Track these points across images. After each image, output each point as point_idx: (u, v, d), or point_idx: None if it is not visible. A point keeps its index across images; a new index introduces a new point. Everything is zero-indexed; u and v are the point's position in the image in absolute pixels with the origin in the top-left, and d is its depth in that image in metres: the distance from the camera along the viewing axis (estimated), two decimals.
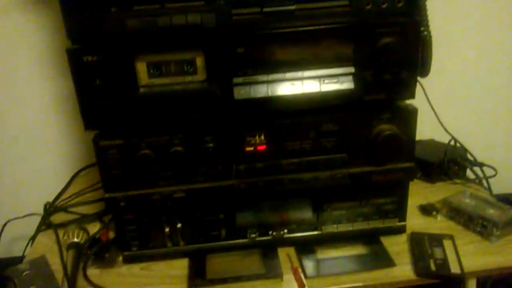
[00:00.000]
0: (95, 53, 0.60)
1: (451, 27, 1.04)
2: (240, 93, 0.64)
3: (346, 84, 0.65)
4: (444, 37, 1.03)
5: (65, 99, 1.04)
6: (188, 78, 0.64)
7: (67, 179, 1.03)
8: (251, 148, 0.67)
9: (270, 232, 0.75)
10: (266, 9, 0.61)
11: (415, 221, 0.81)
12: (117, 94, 0.62)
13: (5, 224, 0.93)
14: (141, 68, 0.63)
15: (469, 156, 0.98)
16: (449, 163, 0.95)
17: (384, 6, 0.62)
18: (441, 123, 0.94)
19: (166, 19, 0.59)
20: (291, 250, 0.75)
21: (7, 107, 1.03)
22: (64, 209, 0.90)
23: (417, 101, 0.70)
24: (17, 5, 0.95)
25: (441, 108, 0.94)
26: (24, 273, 0.72)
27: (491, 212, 0.77)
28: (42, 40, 0.98)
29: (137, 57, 0.62)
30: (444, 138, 0.98)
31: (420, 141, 1.04)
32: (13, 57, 0.99)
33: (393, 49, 0.63)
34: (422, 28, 0.64)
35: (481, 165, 0.95)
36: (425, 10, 0.64)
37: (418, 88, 0.68)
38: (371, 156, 0.69)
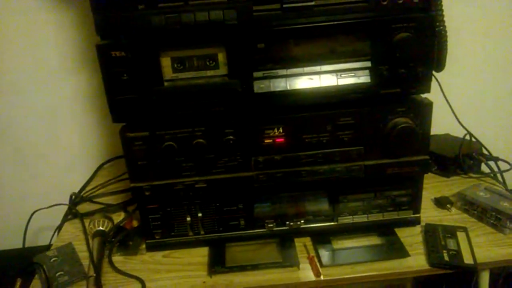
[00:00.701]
0: (123, 49, 0.63)
1: (467, 22, 1.05)
2: (260, 87, 0.66)
3: (362, 78, 0.67)
4: (460, 31, 1.03)
5: (90, 94, 1.07)
6: (210, 73, 0.66)
7: (92, 171, 1.07)
8: (270, 141, 0.70)
9: (287, 223, 0.77)
10: (286, 5, 0.63)
11: (429, 214, 0.83)
12: (143, 88, 0.65)
13: (32, 214, 0.97)
14: (166, 63, 0.65)
15: (484, 151, 0.99)
16: (464, 157, 0.96)
17: (400, 1, 0.64)
18: (456, 117, 0.95)
19: (189, 16, 0.62)
20: (307, 240, 0.77)
21: (36, 101, 1.07)
22: (89, 199, 0.94)
23: (433, 95, 0.71)
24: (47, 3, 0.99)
25: (457, 102, 0.95)
26: (52, 259, 0.76)
27: (505, 205, 0.78)
28: (69, 36, 1.01)
29: (162, 52, 0.65)
30: (460, 133, 0.99)
31: (436, 136, 1.05)
32: (43, 52, 1.03)
33: (409, 44, 0.65)
34: (437, 24, 0.66)
35: (496, 159, 0.96)
36: (440, 5, 0.66)
37: (433, 83, 0.70)
38: (386, 149, 0.71)
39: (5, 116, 1.08)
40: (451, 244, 0.72)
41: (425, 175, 0.76)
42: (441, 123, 0.97)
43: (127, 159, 0.69)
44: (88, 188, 0.99)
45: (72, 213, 0.89)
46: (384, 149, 0.71)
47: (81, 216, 0.86)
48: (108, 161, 1.10)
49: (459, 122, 0.96)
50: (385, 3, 0.64)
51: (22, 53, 1.03)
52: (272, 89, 0.66)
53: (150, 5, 0.62)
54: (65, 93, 1.07)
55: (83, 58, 1.03)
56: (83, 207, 0.92)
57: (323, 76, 0.67)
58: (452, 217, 0.82)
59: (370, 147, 0.71)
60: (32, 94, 1.07)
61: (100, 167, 1.09)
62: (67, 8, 0.99)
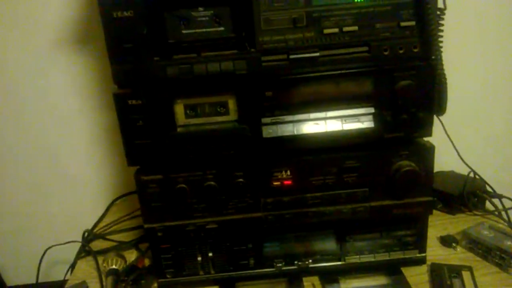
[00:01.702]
0: (139, 97, 0.67)
1: (466, 63, 1.08)
2: (268, 132, 0.70)
3: (366, 123, 0.70)
4: (461, 73, 1.07)
5: (103, 131, 1.11)
6: (221, 118, 0.70)
7: (105, 206, 1.10)
8: (278, 183, 0.72)
9: (296, 262, 0.79)
10: (292, 56, 0.67)
11: (435, 252, 0.84)
12: (157, 133, 0.69)
13: (46, 250, 0.99)
14: (179, 109, 0.69)
15: (488, 188, 1.00)
16: (469, 195, 0.97)
17: (401, 51, 0.68)
18: (460, 156, 0.97)
19: (202, 67, 0.66)
20: (315, 280, 0.78)
21: (50, 138, 1.11)
22: (102, 236, 0.96)
23: (437, 133, 0.73)
24: (67, 47, 1.04)
25: (460, 140, 0.97)
26: None
27: (509, 244, 0.79)
28: (84, 79, 1.07)
29: (175, 100, 0.68)
30: (464, 169, 1.01)
31: (441, 173, 1.08)
32: (59, 94, 1.08)
33: (410, 91, 0.68)
34: (437, 70, 0.69)
35: (500, 197, 0.98)
36: (439, 52, 0.69)
37: (437, 122, 0.72)
38: (391, 190, 0.73)
39: (20, 152, 1.12)
40: (456, 284, 0.73)
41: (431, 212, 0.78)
42: (446, 160, 0.99)
43: (141, 201, 0.72)
44: (101, 225, 1.02)
45: (85, 251, 0.92)
46: (388, 190, 0.73)
47: (95, 254, 0.88)
48: (121, 196, 1.13)
49: (463, 160, 0.98)
50: (386, 53, 0.67)
51: (39, 94, 1.08)
52: (280, 134, 0.70)
53: (165, 56, 0.66)
54: (78, 130, 1.11)
55: (98, 99, 1.08)
56: (96, 244, 0.95)
57: (328, 121, 0.70)
58: (458, 255, 0.83)
59: (375, 189, 0.73)
60: (47, 132, 1.11)
61: (112, 203, 1.12)
62: (86, 56, 1.05)
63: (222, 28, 0.67)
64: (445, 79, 0.71)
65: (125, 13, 0.63)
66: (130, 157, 0.70)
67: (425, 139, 0.74)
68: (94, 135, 1.12)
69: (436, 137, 0.75)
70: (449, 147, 0.95)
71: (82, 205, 1.16)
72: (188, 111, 0.69)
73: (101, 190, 1.16)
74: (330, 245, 0.79)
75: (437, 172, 1.07)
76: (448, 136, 0.94)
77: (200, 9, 0.66)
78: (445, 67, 0.73)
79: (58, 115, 1.10)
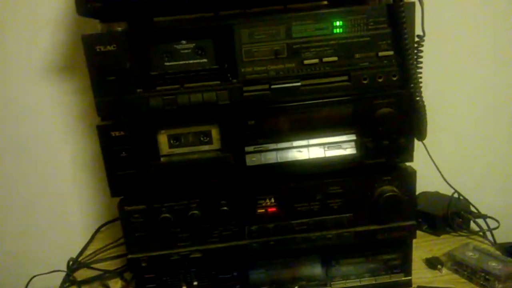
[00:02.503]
0: (122, 129, 0.67)
1: (448, 86, 1.11)
2: (252, 160, 0.70)
3: (348, 150, 0.71)
4: (443, 95, 1.09)
5: (88, 158, 1.11)
6: (204, 147, 0.70)
7: (90, 233, 1.09)
8: (263, 210, 0.73)
9: None
10: (274, 86, 0.68)
11: (421, 275, 0.84)
12: (140, 164, 0.69)
13: (31, 279, 0.98)
14: (163, 139, 0.70)
15: (472, 209, 1.02)
16: (453, 215, 0.98)
17: (380, 80, 0.69)
18: (443, 177, 0.99)
19: (185, 98, 0.67)
20: None
21: (35, 165, 1.11)
22: (87, 265, 0.95)
23: (421, 154, 0.74)
24: (52, 76, 1.05)
25: (444, 161, 0.99)
26: None
27: (493, 265, 0.80)
28: (69, 107, 1.07)
29: (159, 130, 0.69)
30: (449, 190, 1.02)
31: (425, 193, 1.09)
32: (45, 122, 1.08)
33: (390, 118, 0.69)
34: (416, 97, 0.70)
35: (484, 217, 0.99)
36: (418, 80, 0.71)
37: (421, 144, 0.73)
38: (375, 215, 0.74)
39: (4, 179, 1.12)
40: None
41: (416, 234, 0.78)
42: (430, 180, 1.00)
43: (124, 231, 0.72)
44: (86, 253, 1.01)
45: (69, 281, 0.90)
46: (372, 215, 0.74)
47: (79, 284, 0.87)
48: (106, 223, 1.12)
49: (446, 181, 0.99)
50: (366, 81, 0.69)
51: (22, 123, 1.07)
52: (263, 162, 0.70)
53: (148, 88, 0.67)
54: (63, 157, 1.11)
55: (83, 127, 1.08)
56: (81, 273, 0.93)
57: (311, 148, 0.71)
58: (443, 277, 0.84)
59: (360, 214, 0.74)
60: (32, 159, 1.10)
61: (98, 230, 1.11)
62: (71, 85, 1.05)
63: (204, 60, 0.68)
64: (424, 105, 0.72)
65: (108, 47, 0.64)
66: (114, 188, 0.70)
67: (407, 163, 0.75)
68: (79, 163, 1.12)
69: (420, 158, 0.76)
70: (433, 167, 0.97)
71: (68, 232, 1.15)
72: (171, 141, 0.70)
73: (87, 217, 1.16)
74: (316, 270, 0.79)
75: (422, 193, 1.08)
76: (431, 158, 0.95)
77: (183, 42, 0.67)
78: (427, 89, 0.75)
79: (44, 143, 1.09)
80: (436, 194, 1.09)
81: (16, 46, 1.03)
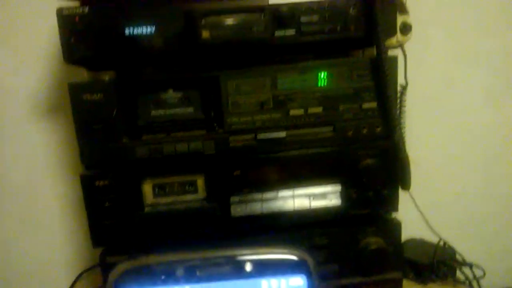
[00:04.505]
0: (106, 178, 0.67)
1: (433, 134, 1.13)
2: (237, 210, 0.70)
3: (334, 201, 0.71)
4: (428, 142, 1.11)
5: (70, 204, 1.09)
6: (190, 197, 0.70)
7: (72, 279, 1.05)
8: None
9: None
10: (259, 137, 0.69)
11: None
12: (124, 214, 0.68)
13: None
14: (147, 189, 0.69)
15: (458, 257, 1.01)
16: (439, 264, 0.98)
17: (365, 131, 0.70)
18: (429, 225, 0.99)
19: (171, 147, 0.67)
20: None
21: (15, 210, 1.08)
22: None
23: (406, 201, 0.75)
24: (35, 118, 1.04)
25: (429, 208, 0.99)
26: None
27: None
28: (51, 153, 1.06)
29: (144, 179, 0.68)
30: (435, 237, 1.02)
31: (411, 240, 1.08)
32: (26, 167, 1.06)
33: (374, 169, 0.70)
34: (400, 149, 0.71)
35: (470, 265, 0.99)
36: (401, 132, 0.72)
37: (406, 192, 0.74)
38: (360, 267, 0.73)
39: None
40: None
41: (403, 283, 0.77)
42: (417, 227, 1.00)
43: (105, 282, 0.70)
44: None
45: None
46: (358, 267, 0.73)
47: None
48: (87, 269, 1.09)
49: (432, 229, 0.99)
50: (350, 133, 0.70)
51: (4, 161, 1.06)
52: (248, 213, 0.70)
53: (134, 137, 0.67)
54: (45, 202, 1.09)
55: (65, 174, 1.07)
56: None
57: (296, 199, 0.71)
58: None
59: (345, 266, 0.73)
60: (13, 202, 1.08)
61: (79, 276, 1.08)
62: (53, 130, 1.05)
63: (191, 109, 0.69)
64: (408, 156, 0.73)
65: (95, 96, 0.65)
66: (96, 238, 0.69)
67: (392, 214, 0.76)
68: (60, 208, 1.09)
69: (405, 204, 0.76)
70: (418, 214, 0.97)
71: (48, 279, 1.11)
72: (156, 190, 0.69)
73: (67, 264, 1.12)
74: None
75: (408, 240, 1.08)
76: (417, 206, 0.96)
77: (170, 91, 0.68)
78: (411, 137, 0.76)
79: (25, 187, 1.07)
80: (422, 242, 1.08)
81: None
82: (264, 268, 0.38)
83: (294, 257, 0.40)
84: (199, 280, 0.38)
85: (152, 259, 0.40)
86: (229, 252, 0.38)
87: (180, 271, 0.39)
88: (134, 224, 0.69)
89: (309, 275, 0.40)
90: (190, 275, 0.38)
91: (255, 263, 0.38)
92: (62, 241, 1.12)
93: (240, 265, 0.38)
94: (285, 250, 0.40)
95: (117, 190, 0.67)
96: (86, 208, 0.67)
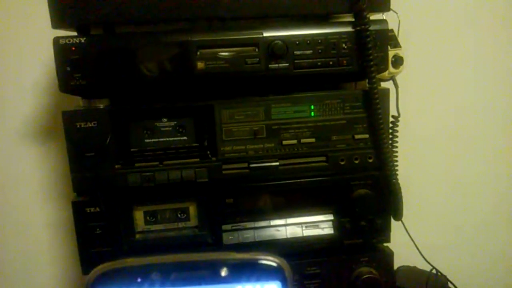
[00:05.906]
0: (98, 205, 0.66)
1: (425, 163, 1.13)
2: (229, 238, 0.70)
3: (326, 230, 0.71)
4: (420, 171, 1.12)
5: (63, 228, 1.08)
6: (181, 224, 0.70)
7: None
8: None
9: None
10: (252, 165, 0.69)
11: None
12: (115, 241, 0.67)
13: None
14: (139, 216, 0.69)
15: (450, 285, 1.01)
16: None
17: (357, 161, 0.71)
18: (421, 254, 0.98)
19: (163, 175, 0.67)
20: None
21: (9, 248, 1.07)
22: None
23: (399, 229, 0.75)
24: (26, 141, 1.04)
25: (422, 236, 0.99)
26: None
27: None
28: (42, 178, 1.05)
29: (135, 206, 0.68)
30: (427, 265, 1.01)
31: (404, 268, 1.07)
32: (17, 188, 1.05)
33: (366, 199, 0.70)
34: (392, 180, 0.72)
35: None
36: (393, 163, 0.72)
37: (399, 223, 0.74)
38: None
39: None
40: None
41: None
42: (409, 254, 1.00)
43: None
44: None
45: None
46: None
47: None
48: None
49: (424, 258, 0.99)
50: (342, 163, 0.70)
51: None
52: (240, 241, 0.69)
53: (126, 164, 0.67)
54: (35, 229, 1.07)
55: (56, 200, 1.06)
56: None
57: (289, 228, 0.71)
58: None
59: None
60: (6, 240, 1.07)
61: None
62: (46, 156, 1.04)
63: (184, 138, 0.69)
64: (399, 186, 0.74)
65: (89, 124, 0.65)
66: (85, 265, 0.68)
67: (385, 244, 0.75)
68: (50, 235, 1.08)
69: (398, 232, 0.76)
70: (410, 243, 0.96)
71: None
72: (147, 217, 0.69)
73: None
74: None
75: (401, 267, 1.07)
76: (409, 235, 0.95)
77: (164, 120, 0.68)
78: (403, 166, 0.77)
79: (14, 213, 1.06)
80: (414, 269, 1.08)
81: None
82: (239, 273, 0.38)
83: (269, 263, 0.40)
84: (174, 283, 0.38)
85: (128, 262, 0.40)
86: (205, 257, 0.38)
87: (155, 275, 0.39)
88: (124, 251, 0.68)
89: (284, 282, 0.40)
90: (166, 279, 0.39)
91: (231, 268, 0.38)
92: (51, 268, 1.10)
93: (215, 270, 0.38)
94: (261, 256, 0.40)
95: (108, 217, 0.67)
96: (77, 235, 0.67)
